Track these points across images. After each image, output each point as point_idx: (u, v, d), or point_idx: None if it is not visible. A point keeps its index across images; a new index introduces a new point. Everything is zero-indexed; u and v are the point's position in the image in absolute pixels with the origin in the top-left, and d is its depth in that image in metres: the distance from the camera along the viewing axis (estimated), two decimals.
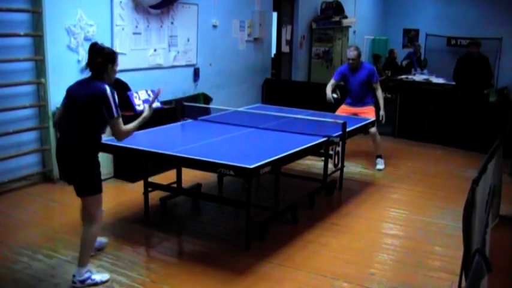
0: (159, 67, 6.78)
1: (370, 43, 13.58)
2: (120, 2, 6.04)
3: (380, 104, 6.31)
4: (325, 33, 10.76)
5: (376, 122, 6.05)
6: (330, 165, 5.09)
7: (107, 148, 4.30)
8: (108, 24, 5.96)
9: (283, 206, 4.50)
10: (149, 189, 4.53)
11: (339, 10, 10.88)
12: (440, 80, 10.52)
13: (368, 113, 6.18)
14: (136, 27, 6.32)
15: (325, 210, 4.91)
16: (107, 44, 5.84)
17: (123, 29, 6.12)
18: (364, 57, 11.25)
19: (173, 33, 6.90)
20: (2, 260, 3.65)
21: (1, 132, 4.98)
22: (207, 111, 6.14)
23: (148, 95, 5.89)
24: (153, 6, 6.37)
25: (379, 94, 6.31)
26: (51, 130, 5.34)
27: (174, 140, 4.74)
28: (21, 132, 5.17)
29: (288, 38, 10.18)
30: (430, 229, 4.52)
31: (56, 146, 3.42)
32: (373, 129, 6.11)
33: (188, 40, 7.21)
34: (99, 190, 3.33)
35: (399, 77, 10.92)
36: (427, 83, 10.49)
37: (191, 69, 7.41)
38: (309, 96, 8.54)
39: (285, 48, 10.22)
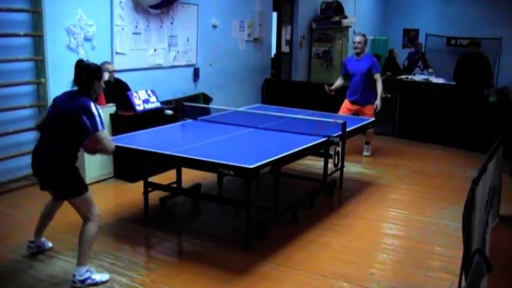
0: (159, 67, 6.78)
1: (370, 43, 13.55)
2: (120, 2, 6.04)
3: (378, 93, 6.43)
4: (325, 33, 10.76)
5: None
6: (330, 165, 5.09)
7: None
8: (108, 24, 5.96)
9: (283, 206, 4.50)
10: (149, 189, 4.53)
11: (339, 10, 10.88)
12: (440, 80, 10.51)
13: (368, 115, 6.25)
14: (136, 27, 6.33)
15: (325, 210, 4.91)
16: (107, 44, 5.95)
17: (123, 29, 6.12)
18: None
19: (173, 33, 6.90)
20: (2, 260, 3.66)
21: (1, 132, 4.98)
22: (207, 111, 6.14)
23: (148, 95, 5.89)
24: (153, 6, 6.37)
25: (379, 85, 6.44)
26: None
27: (174, 140, 4.73)
28: (21, 132, 5.17)
29: (288, 38, 10.18)
30: (430, 229, 4.52)
31: (34, 151, 3.39)
32: (371, 130, 6.36)
33: (188, 40, 7.21)
34: (84, 190, 3.35)
35: (399, 77, 10.91)
36: (427, 83, 10.49)
37: (191, 69, 7.41)
38: (309, 96, 8.55)
39: (285, 48, 10.22)
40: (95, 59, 5.69)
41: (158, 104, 5.97)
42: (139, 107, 5.70)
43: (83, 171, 5.31)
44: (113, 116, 5.58)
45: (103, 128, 3.27)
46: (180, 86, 7.20)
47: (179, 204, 4.96)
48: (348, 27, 11.45)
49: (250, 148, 4.40)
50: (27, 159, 5.25)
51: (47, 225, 3.76)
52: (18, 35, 5.01)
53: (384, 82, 10.42)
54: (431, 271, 3.72)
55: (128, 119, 5.53)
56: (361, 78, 6.46)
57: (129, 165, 5.45)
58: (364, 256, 3.94)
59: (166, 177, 5.22)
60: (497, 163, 3.82)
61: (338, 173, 5.42)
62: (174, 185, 4.85)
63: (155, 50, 6.65)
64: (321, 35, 10.80)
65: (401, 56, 12.85)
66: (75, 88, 3.34)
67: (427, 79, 10.72)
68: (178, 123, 5.33)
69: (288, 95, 8.93)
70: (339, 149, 4.92)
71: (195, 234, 4.28)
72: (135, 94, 5.73)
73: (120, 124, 5.51)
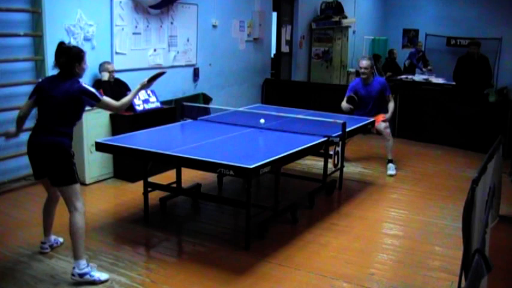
0: (159, 67, 6.77)
1: (369, 43, 13.57)
2: (120, 2, 6.04)
3: (388, 115, 6.23)
4: (324, 33, 10.76)
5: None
6: (330, 165, 5.09)
7: (107, 148, 4.31)
8: (108, 24, 5.96)
9: (283, 206, 4.50)
10: (149, 189, 4.52)
11: (339, 10, 10.89)
12: (440, 80, 10.52)
13: (379, 118, 6.19)
14: (136, 27, 6.32)
15: (325, 210, 4.91)
16: (107, 44, 5.95)
17: (122, 29, 6.12)
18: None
19: (173, 33, 6.90)
20: (2, 260, 3.65)
21: (1, 132, 4.97)
22: (206, 111, 6.14)
23: (148, 95, 5.89)
24: (153, 6, 6.37)
25: (391, 106, 6.28)
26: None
27: (174, 140, 4.73)
28: (21, 132, 5.15)
29: (288, 38, 10.18)
30: (430, 229, 4.52)
31: (30, 140, 3.45)
32: (387, 130, 6.12)
33: (188, 40, 7.21)
34: (76, 179, 3.42)
35: (399, 77, 10.92)
36: (427, 83, 10.50)
37: (191, 69, 7.41)
38: (309, 96, 8.56)
39: (285, 48, 10.22)
40: (95, 59, 5.73)
41: (158, 104, 5.97)
42: (139, 107, 5.70)
43: (83, 171, 5.32)
44: (112, 116, 5.58)
45: (101, 97, 3.48)
46: (180, 86, 7.20)
47: (179, 204, 4.96)
48: (347, 27, 11.45)
49: (250, 148, 4.40)
50: (27, 159, 5.29)
51: (50, 223, 3.81)
52: (18, 35, 5.01)
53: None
54: (431, 271, 3.72)
55: (128, 119, 5.53)
56: (373, 103, 6.27)
57: (129, 165, 5.45)
58: (364, 256, 3.94)
59: (166, 177, 5.22)
60: (497, 163, 3.82)
61: (338, 173, 5.42)
62: (174, 185, 4.85)
63: (155, 50, 6.66)
64: (321, 35, 10.80)
65: (401, 56, 12.86)
66: (57, 72, 3.45)
67: (427, 79, 10.73)
68: (178, 123, 5.33)
69: (288, 95, 8.93)
70: (339, 149, 4.92)
71: (195, 234, 4.28)
72: None
73: (120, 124, 5.51)
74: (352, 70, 11.80)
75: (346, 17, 10.98)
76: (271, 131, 4.91)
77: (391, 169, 6.18)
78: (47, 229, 3.82)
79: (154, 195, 4.69)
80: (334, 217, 4.72)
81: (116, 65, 5.94)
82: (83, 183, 5.34)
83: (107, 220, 4.47)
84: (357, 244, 4.15)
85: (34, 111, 3.57)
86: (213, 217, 4.73)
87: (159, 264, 3.69)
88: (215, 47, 7.84)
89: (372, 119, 5.85)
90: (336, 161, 4.98)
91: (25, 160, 5.21)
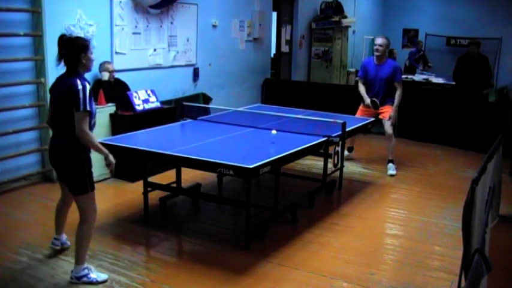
0: (159, 67, 6.78)
1: (369, 43, 13.55)
2: (120, 2, 6.04)
3: (394, 103, 6.08)
4: (324, 33, 10.76)
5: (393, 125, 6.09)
6: (330, 165, 5.08)
7: (107, 148, 4.30)
8: (108, 24, 5.96)
9: (283, 205, 4.50)
10: (149, 189, 4.52)
11: (339, 10, 10.88)
12: (440, 80, 10.52)
13: (384, 112, 6.11)
14: (136, 27, 6.32)
15: (325, 210, 4.91)
16: (107, 44, 5.95)
17: (122, 29, 6.12)
18: (364, 57, 11.26)
19: (173, 33, 6.90)
20: (2, 260, 3.65)
21: (1, 132, 4.98)
22: (206, 111, 6.14)
23: (148, 95, 5.89)
24: (153, 6, 6.37)
25: (398, 94, 6.07)
26: (51, 130, 5.34)
27: (174, 140, 4.73)
28: (21, 132, 5.17)
29: (288, 37, 10.18)
30: (430, 229, 4.52)
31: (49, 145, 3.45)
32: (390, 131, 6.06)
33: (188, 40, 7.21)
34: (87, 189, 3.30)
35: None
36: (427, 83, 10.49)
37: (191, 69, 7.41)
38: (309, 96, 8.55)
39: (285, 48, 10.22)
40: (95, 59, 5.70)
41: (158, 104, 5.97)
42: (139, 106, 5.70)
43: None
44: (112, 116, 5.58)
45: (83, 108, 3.12)
46: (179, 86, 7.20)
47: (179, 204, 4.96)
48: (347, 27, 11.45)
49: (250, 148, 4.40)
50: (27, 159, 5.31)
51: (62, 222, 3.74)
52: (18, 35, 5.00)
53: None
54: (431, 271, 3.72)
55: (128, 118, 5.53)
56: (380, 86, 6.09)
57: (129, 165, 5.45)
58: (364, 256, 3.94)
59: (166, 177, 5.22)
60: (497, 163, 3.82)
61: (338, 172, 5.42)
62: (174, 185, 4.85)
63: (155, 50, 6.65)
64: (321, 35, 10.79)
65: (401, 56, 12.85)
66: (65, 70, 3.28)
67: (427, 79, 10.73)
68: (178, 123, 5.33)
69: (288, 95, 8.93)
70: (339, 148, 4.92)
71: (195, 234, 4.28)
72: (134, 94, 5.73)
73: (120, 124, 5.51)
74: (352, 70, 11.80)
75: (346, 17, 10.97)
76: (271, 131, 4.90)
77: (392, 169, 6.16)
78: (59, 228, 3.76)
79: (154, 195, 4.69)
80: (334, 217, 4.72)
81: (116, 65, 5.94)
82: None
83: (107, 220, 4.47)
84: (357, 244, 4.16)
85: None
86: (213, 217, 4.73)
87: (159, 264, 3.69)
88: (215, 47, 7.83)
89: (371, 119, 5.84)
90: (335, 161, 4.98)
91: (25, 160, 5.25)
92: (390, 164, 6.20)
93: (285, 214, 4.50)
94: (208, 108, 6.41)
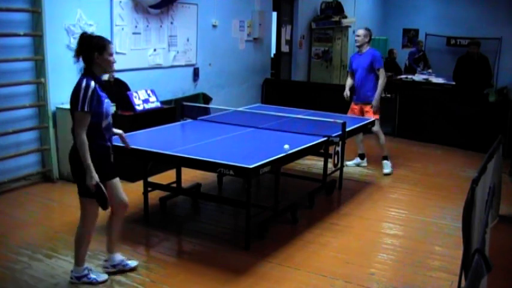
0: (159, 67, 6.78)
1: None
2: (120, 2, 6.04)
3: (377, 91, 6.04)
4: (324, 33, 10.76)
5: (379, 121, 6.06)
6: (330, 165, 5.08)
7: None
8: (108, 24, 5.96)
9: (283, 206, 4.50)
10: (149, 189, 4.52)
11: (339, 10, 10.89)
12: (440, 80, 10.52)
13: (368, 112, 6.14)
14: (136, 27, 6.32)
15: (325, 210, 4.91)
16: None
17: (122, 29, 6.12)
18: None
19: (173, 33, 6.90)
20: (2, 260, 3.65)
21: (0, 132, 4.98)
22: (206, 111, 6.14)
23: (148, 95, 5.89)
24: (153, 6, 6.37)
25: (380, 82, 6.06)
26: (51, 130, 5.34)
27: (174, 140, 4.73)
28: (21, 132, 5.17)
29: (288, 37, 10.18)
30: (430, 229, 4.52)
31: None
32: (375, 128, 6.04)
33: (188, 40, 7.21)
34: (87, 194, 3.16)
35: (399, 77, 10.92)
36: (427, 82, 10.49)
37: (191, 69, 7.41)
38: (309, 96, 8.55)
39: (285, 48, 10.22)
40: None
41: (158, 104, 5.97)
42: (139, 106, 5.70)
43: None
44: (112, 116, 5.52)
45: (80, 108, 2.98)
46: (179, 86, 7.20)
47: (179, 204, 4.96)
48: (347, 27, 11.44)
49: (250, 148, 4.40)
50: (27, 159, 5.31)
51: (110, 240, 3.50)
52: (18, 35, 5.00)
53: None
54: (431, 271, 3.72)
55: (128, 118, 5.53)
56: (361, 74, 6.12)
57: (129, 165, 5.44)
58: (364, 256, 3.94)
59: (166, 177, 5.22)
60: (497, 163, 3.82)
61: (338, 172, 5.42)
62: (174, 185, 4.85)
63: (155, 50, 6.65)
64: (321, 35, 10.80)
65: (401, 56, 12.85)
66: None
67: (427, 79, 10.73)
68: (178, 123, 5.33)
69: (288, 95, 8.93)
70: (339, 148, 4.92)
71: (195, 234, 4.28)
72: (134, 94, 5.73)
73: (120, 124, 5.46)
74: None
75: (346, 17, 10.98)
76: (271, 131, 4.91)
77: (387, 167, 6.17)
78: (108, 246, 3.52)
79: (154, 195, 4.69)
80: (334, 217, 4.72)
81: (116, 65, 5.88)
82: None
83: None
84: (357, 244, 4.16)
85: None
86: (213, 217, 4.73)
87: (159, 264, 3.69)
88: (215, 47, 7.83)
89: (371, 119, 5.84)
90: (335, 161, 4.98)
91: (25, 160, 5.25)
92: (385, 162, 6.21)
93: (285, 214, 4.50)
94: (208, 108, 6.41)
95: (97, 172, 3.08)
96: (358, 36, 6.19)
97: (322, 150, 4.92)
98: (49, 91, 5.24)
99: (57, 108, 5.38)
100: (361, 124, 5.50)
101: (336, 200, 5.29)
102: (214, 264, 3.70)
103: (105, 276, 3.41)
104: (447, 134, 7.63)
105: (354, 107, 6.30)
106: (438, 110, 7.83)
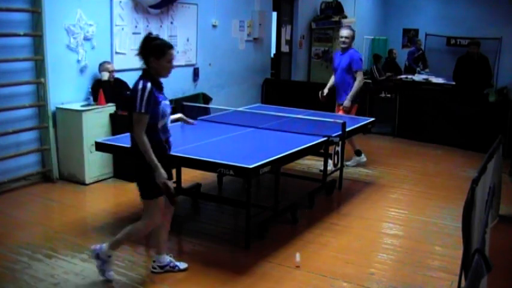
0: None
1: (369, 43, 13.58)
2: (120, 2, 6.04)
3: (350, 93, 6.02)
4: (324, 33, 10.76)
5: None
6: (330, 165, 5.08)
7: (107, 148, 4.31)
8: (108, 24, 5.96)
9: (283, 206, 4.50)
10: None
11: (339, 10, 10.88)
12: (440, 80, 10.52)
13: (340, 110, 6.14)
14: (136, 27, 6.32)
15: (325, 210, 4.91)
16: (106, 44, 5.95)
17: (122, 29, 6.12)
18: (364, 57, 11.25)
19: (173, 33, 6.90)
20: (2, 260, 3.65)
21: (1, 132, 4.98)
22: (206, 111, 6.14)
23: None
24: (153, 6, 6.37)
25: (355, 84, 6.03)
26: (51, 130, 5.34)
27: (174, 140, 4.70)
28: (21, 132, 5.17)
29: (288, 37, 10.19)
30: (430, 229, 4.52)
31: None
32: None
33: (188, 40, 7.21)
34: (150, 195, 3.19)
35: (399, 77, 10.92)
36: (427, 82, 10.50)
37: (191, 69, 7.41)
38: (309, 96, 8.54)
39: (285, 48, 10.22)
40: (95, 58, 5.73)
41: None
42: None
43: (83, 171, 5.32)
44: (112, 116, 5.57)
45: (138, 110, 3.01)
46: (179, 86, 7.20)
47: (179, 204, 4.95)
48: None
49: (250, 148, 4.40)
50: (27, 159, 5.31)
51: (158, 240, 3.51)
52: (18, 35, 5.00)
53: (383, 82, 10.40)
54: (431, 271, 3.72)
55: (128, 118, 5.52)
56: (341, 74, 6.12)
57: (129, 165, 5.43)
58: (364, 256, 3.94)
59: None
60: (497, 163, 3.82)
61: (338, 173, 5.42)
62: (174, 185, 4.84)
63: None
64: (321, 35, 10.80)
65: (401, 56, 12.85)
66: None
67: (426, 79, 10.73)
68: (178, 123, 5.32)
69: (288, 95, 8.92)
70: (339, 148, 4.92)
71: (195, 234, 4.28)
72: None
73: (120, 124, 5.50)
74: None
75: (346, 17, 10.97)
76: (271, 131, 4.91)
77: (352, 161, 6.33)
78: (157, 246, 3.53)
79: None
80: (334, 217, 4.72)
81: (116, 65, 5.94)
82: (83, 183, 5.35)
83: (107, 220, 4.47)
84: (357, 244, 4.16)
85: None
86: (213, 217, 4.73)
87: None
88: (215, 47, 7.83)
89: (371, 119, 5.83)
90: (335, 161, 4.98)
91: (25, 160, 5.25)
92: (356, 157, 6.36)
93: (285, 214, 4.50)
94: (208, 108, 6.40)
95: (147, 186, 3.15)
96: (346, 38, 6.08)
97: (322, 150, 4.92)
98: (49, 91, 5.24)
99: (57, 108, 5.38)
100: (361, 124, 5.50)
101: (336, 200, 5.29)
102: (214, 264, 3.70)
103: (185, 265, 3.52)
104: (447, 134, 7.63)
105: (337, 107, 6.32)
106: (438, 110, 7.83)
